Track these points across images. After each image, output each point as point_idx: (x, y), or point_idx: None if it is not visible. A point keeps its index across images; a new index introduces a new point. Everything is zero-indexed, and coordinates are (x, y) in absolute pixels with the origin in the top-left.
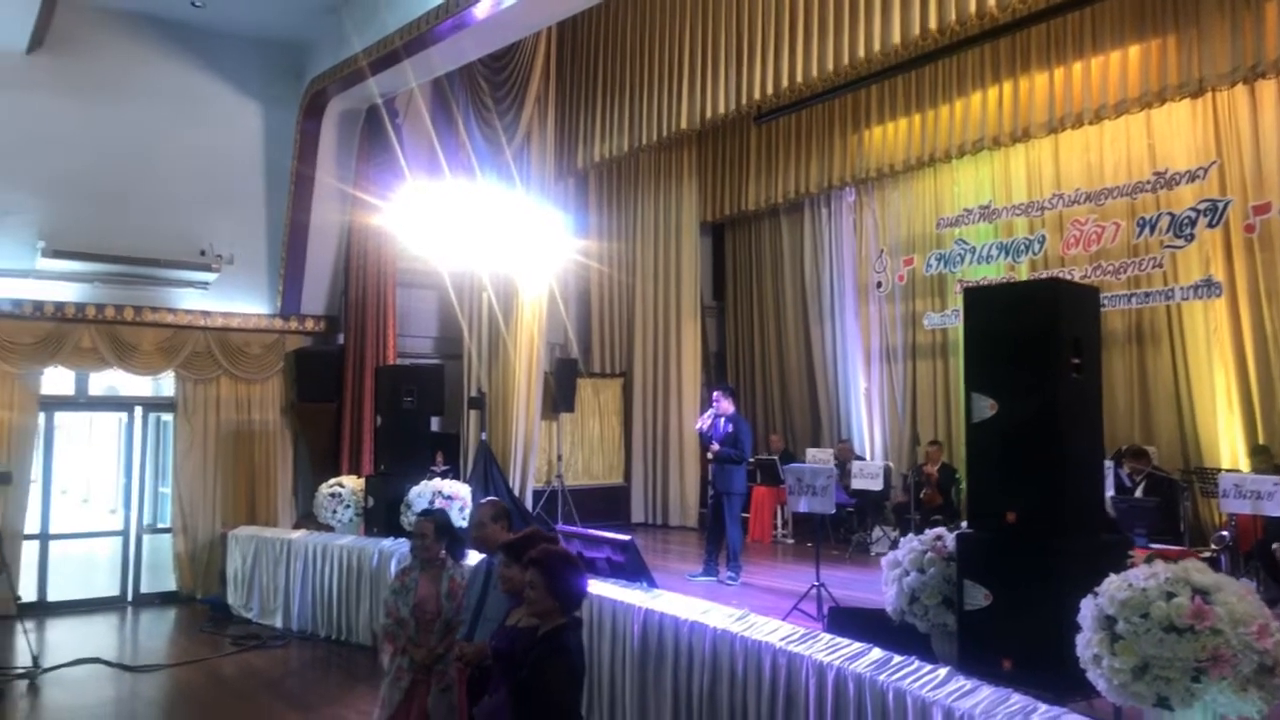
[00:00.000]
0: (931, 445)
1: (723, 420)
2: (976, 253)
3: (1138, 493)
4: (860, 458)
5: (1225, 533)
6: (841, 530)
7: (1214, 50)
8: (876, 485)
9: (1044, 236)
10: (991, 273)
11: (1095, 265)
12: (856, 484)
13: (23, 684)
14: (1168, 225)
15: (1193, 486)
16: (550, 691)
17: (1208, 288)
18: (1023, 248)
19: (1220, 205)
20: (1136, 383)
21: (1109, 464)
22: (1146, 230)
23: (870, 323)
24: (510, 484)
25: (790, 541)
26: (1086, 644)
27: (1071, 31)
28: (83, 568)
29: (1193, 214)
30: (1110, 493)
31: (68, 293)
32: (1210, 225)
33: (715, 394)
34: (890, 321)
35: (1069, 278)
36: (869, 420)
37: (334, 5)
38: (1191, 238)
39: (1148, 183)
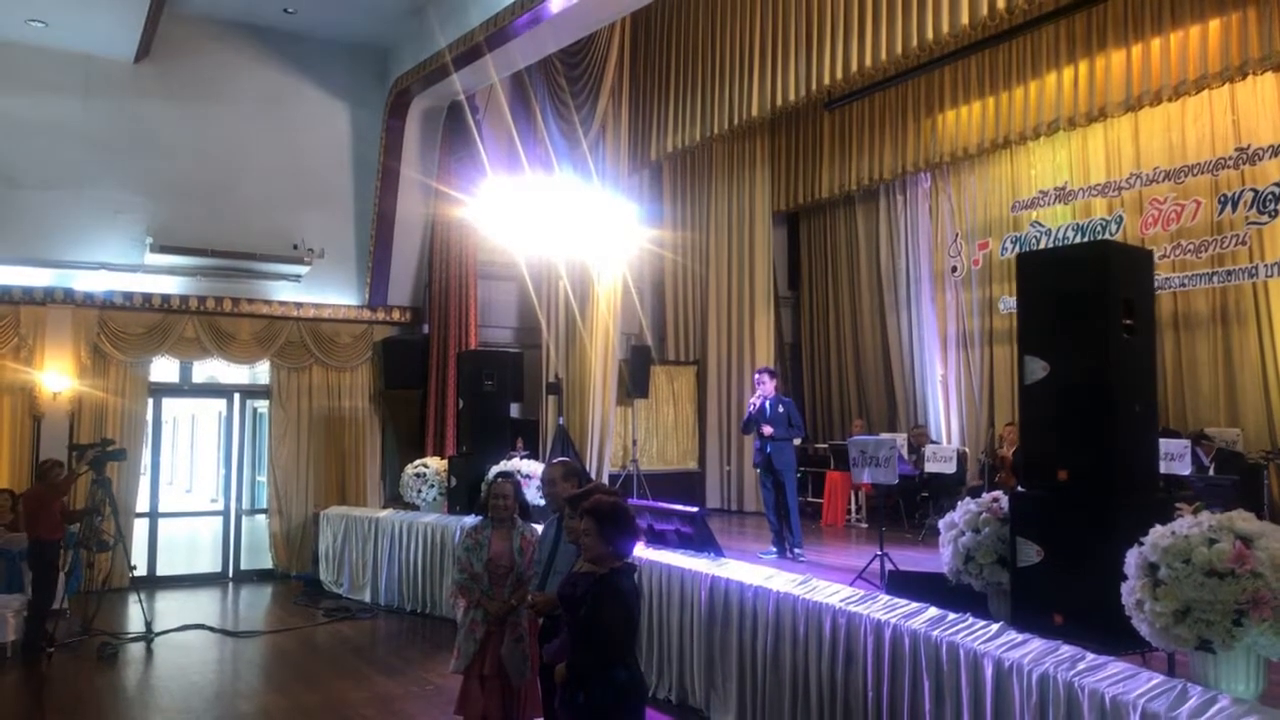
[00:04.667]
0: (1007, 426)
1: (770, 401)
2: (1053, 235)
3: (1211, 471)
4: (935, 442)
5: None
6: (916, 515)
7: None
8: (949, 468)
9: (1121, 217)
10: None
11: (1175, 244)
12: (930, 467)
13: (134, 647)
14: (1251, 201)
15: (1270, 466)
16: (604, 628)
17: None
18: (1100, 228)
19: None
20: (1221, 363)
21: (1188, 444)
22: (1228, 207)
23: (946, 309)
24: (586, 467)
25: (864, 526)
26: (1131, 591)
27: (1149, 6)
28: (187, 546)
29: (1277, 189)
30: (1188, 471)
31: (172, 285)
32: None
33: (758, 375)
34: (967, 307)
35: None
36: (946, 407)
37: (418, 7)
38: (1275, 213)
39: (1230, 159)
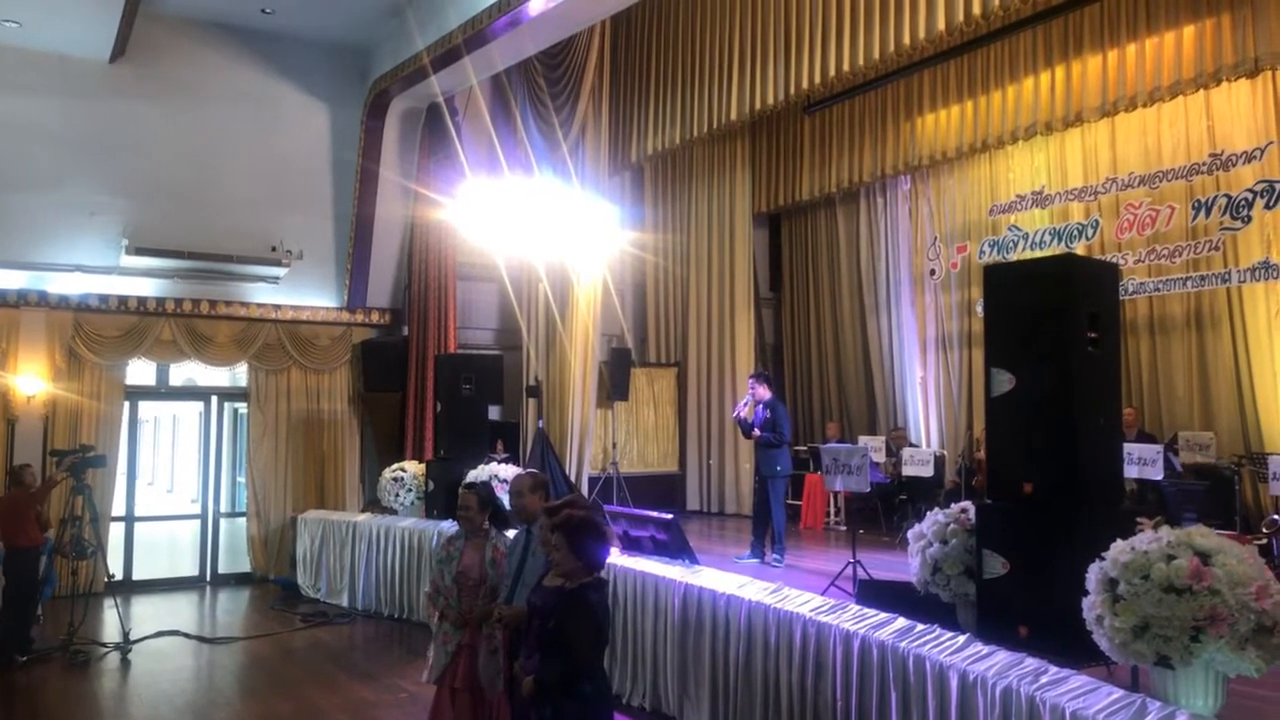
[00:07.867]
0: (985, 430)
1: (760, 406)
2: (1030, 239)
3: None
4: (914, 445)
5: (1277, 516)
6: (895, 518)
7: (1269, 28)
8: (927, 472)
9: (1097, 221)
10: None
11: (1150, 249)
12: (908, 470)
13: (108, 655)
14: (1224, 207)
15: (1243, 471)
16: (572, 642)
17: (1266, 270)
18: (1076, 233)
19: (1278, 186)
20: (1196, 367)
21: (1160, 449)
22: (1202, 213)
23: (926, 311)
24: (566, 470)
25: (843, 529)
26: (1091, 606)
27: (1125, 12)
28: (165, 550)
29: (1250, 195)
30: (1160, 476)
31: (149, 288)
32: (1268, 206)
33: (751, 381)
34: (945, 310)
35: (1123, 262)
36: (925, 409)
37: (397, 9)
38: (1249, 219)
39: (1204, 164)
